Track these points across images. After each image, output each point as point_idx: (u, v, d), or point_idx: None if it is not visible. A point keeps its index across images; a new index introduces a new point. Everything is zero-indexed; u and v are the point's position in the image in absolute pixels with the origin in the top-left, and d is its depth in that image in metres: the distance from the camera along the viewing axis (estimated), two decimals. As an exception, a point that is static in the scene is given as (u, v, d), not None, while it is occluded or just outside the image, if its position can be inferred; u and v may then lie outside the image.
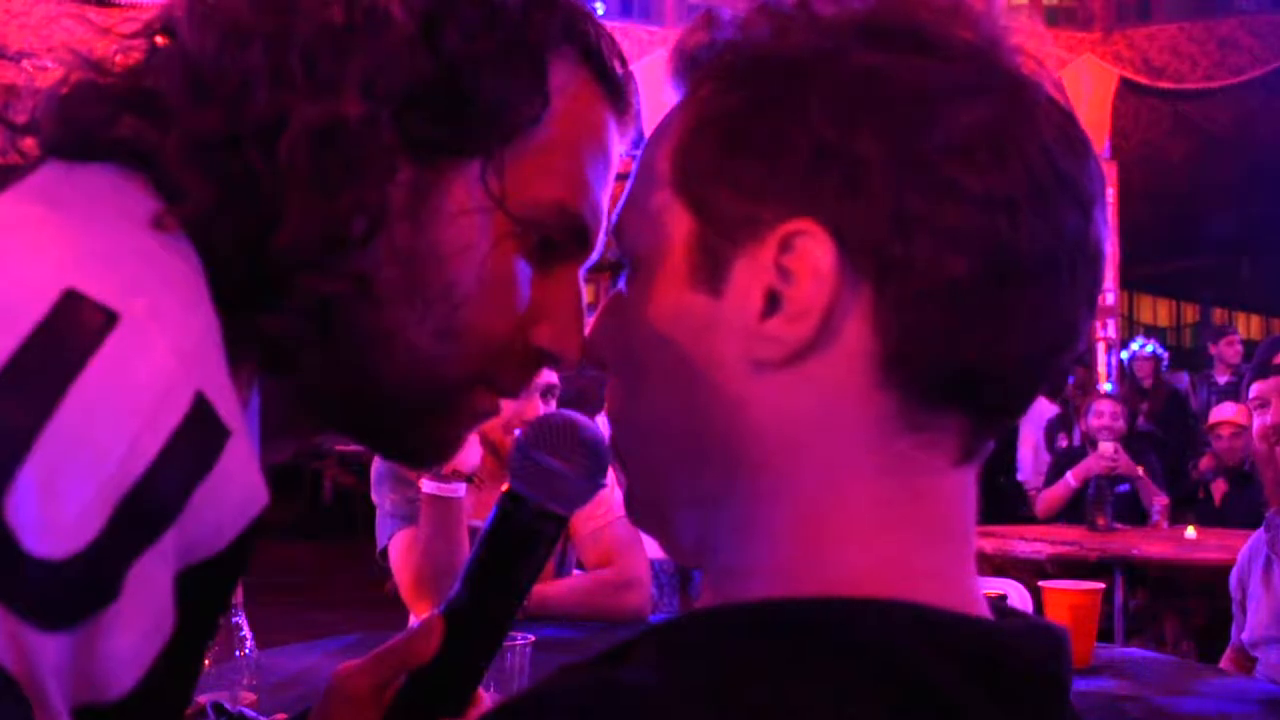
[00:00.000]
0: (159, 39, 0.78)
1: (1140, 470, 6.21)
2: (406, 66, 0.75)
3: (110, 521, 0.59)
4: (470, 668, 0.93)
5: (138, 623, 0.62)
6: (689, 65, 0.73)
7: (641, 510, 0.77)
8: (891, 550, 0.66)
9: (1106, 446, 6.14)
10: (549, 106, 0.80)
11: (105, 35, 0.78)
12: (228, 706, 1.13)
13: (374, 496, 2.88)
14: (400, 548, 2.78)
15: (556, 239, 0.83)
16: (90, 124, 0.74)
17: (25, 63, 0.79)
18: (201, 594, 0.66)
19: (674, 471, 0.71)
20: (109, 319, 0.62)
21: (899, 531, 0.66)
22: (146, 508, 0.61)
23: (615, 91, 0.86)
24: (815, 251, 0.64)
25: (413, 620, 3.01)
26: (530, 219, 0.81)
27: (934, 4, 0.67)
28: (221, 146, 0.73)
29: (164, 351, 0.63)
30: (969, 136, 0.63)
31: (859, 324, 0.64)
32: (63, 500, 0.58)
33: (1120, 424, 6.37)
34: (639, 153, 0.76)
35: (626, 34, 13.08)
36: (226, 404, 0.66)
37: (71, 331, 0.61)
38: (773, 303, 0.65)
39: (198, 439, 0.63)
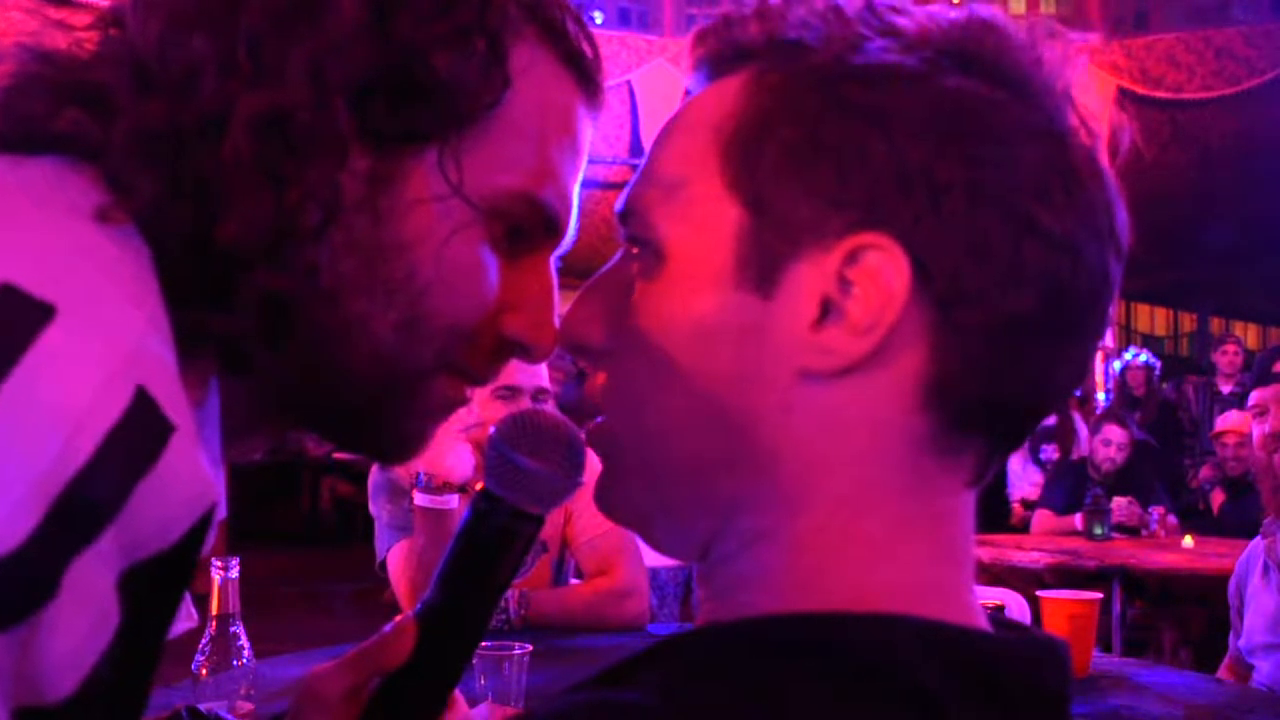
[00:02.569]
0: (111, 30, 0.76)
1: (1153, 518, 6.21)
2: (357, 52, 0.74)
3: (44, 520, 0.58)
4: (445, 670, 0.91)
5: (77, 623, 0.60)
6: (736, 55, 0.71)
7: (629, 509, 0.74)
8: (903, 567, 0.66)
9: (1121, 500, 6.16)
10: (509, 90, 0.78)
11: (59, 28, 0.76)
12: (202, 710, 1.12)
13: (371, 509, 2.87)
14: (399, 559, 2.77)
15: (524, 227, 0.81)
16: (32, 117, 0.73)
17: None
18: (149, 593, 0.65)
19: (688, 475, 0.69)
20: (45, 313, 0.60)
21: (912, 549, 0.66)
22: (83, 505, 0.60)
23: (583, 74, 0.84)
24: (888, 268, 0.63)
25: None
26: (494, 207, 0.79)
27: (1016, 42, 0.67)
28: (167, 138, 0.72)
29: (102, 345, 0.62)
30: (1045, 176, 0.64)
31: (918, 346, 0.64)
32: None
33: (1124, 455, 6.39)
34: (657, 141, 0.73)
35: (625, 43, 13.09)
36: (172, 399, 0.64)
37: (5, 326, 0.60)
38: (825, 312, 0.64)
39: (138, 435, 0.62)
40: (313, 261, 0.74)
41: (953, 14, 0.68)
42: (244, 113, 0.72)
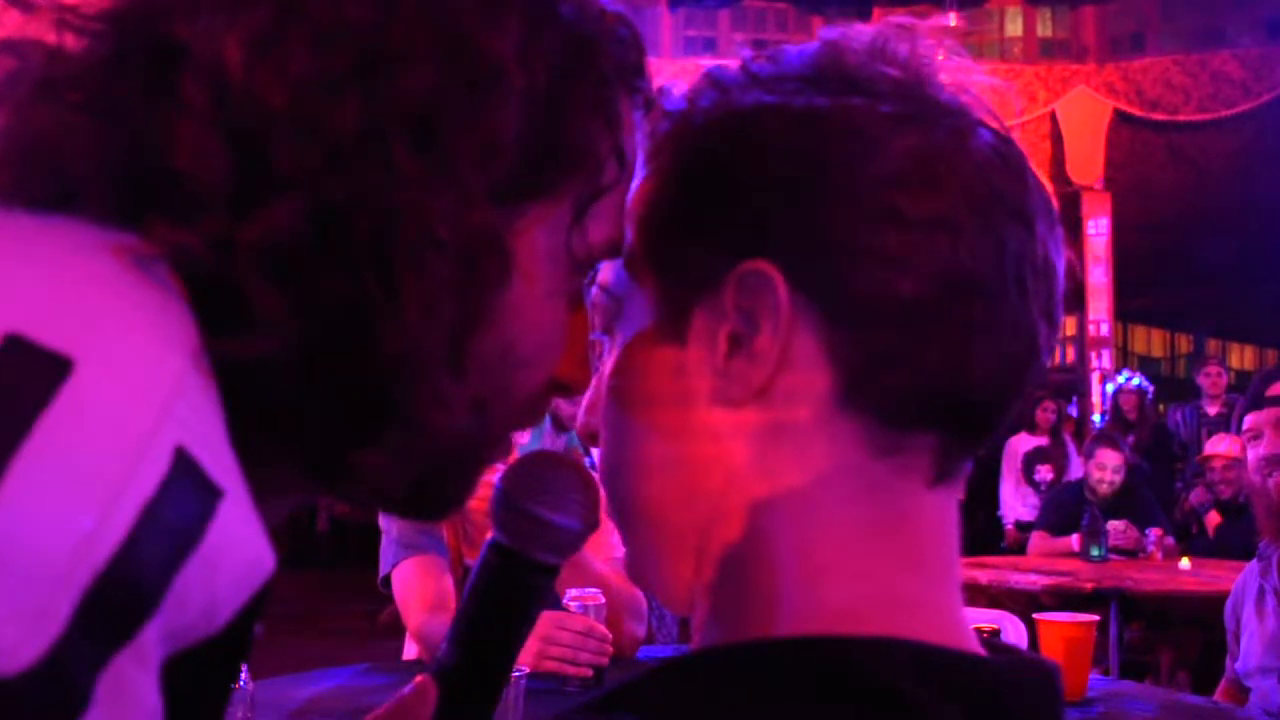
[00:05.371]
0: (144, 44, 0.61)
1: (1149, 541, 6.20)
2: (521, 129, 0.64)
3: (71, 621, 0.49)
4: None
5: None
6: (650, 144, 0.75)
7: (633, 567, 0.77)
8: (878, 581, 0.66)
9: (1117, 524, 6.15)
10: (625, 160, 0.72)
11: (57, 13, 0.61)
12: None
13: (381, 521, 2.86)
14: (405, 578, 2.77)
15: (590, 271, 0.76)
16: (85, 203, 0.58)
17: None
18: (197, 680, 0.57)
19: (660, 520, 0.72)
20: (61, 367, 0.51)
21: (883, 560, 0.67)
22: (118, 599, 0.50)
23: (645, 109, 0.77)
24: (768, 290, 0.66)
25: (407, 649, 3.00)
26: (585, 265, 0.72)
27: (859, 49, 0.70)
28: (300, 254, 0.59)
29: (133, 401, 0.52)
30: (903, 165, 0.66)
31: (819, 351, 0.66)
32: (8, 602, 0.48)
33: (1120, 477, 6.38)
34: None
35: (623, 65, 13.11)
36: (217, 458, 0.55)
37: (15, 387, 0.50)
38: (735, 343, 0.67)
39: (181, 505, 0.52)
40: (473, 378, 0.65)
41: (808, 46, 0.72)
42: (422, 228, 0.60)
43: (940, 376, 0.66)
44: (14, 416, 0.50)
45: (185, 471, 0.53)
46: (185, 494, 0.53)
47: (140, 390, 0.53)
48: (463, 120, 0.62)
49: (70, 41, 0.61)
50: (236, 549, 0.55)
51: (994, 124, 0.70)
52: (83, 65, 0.61)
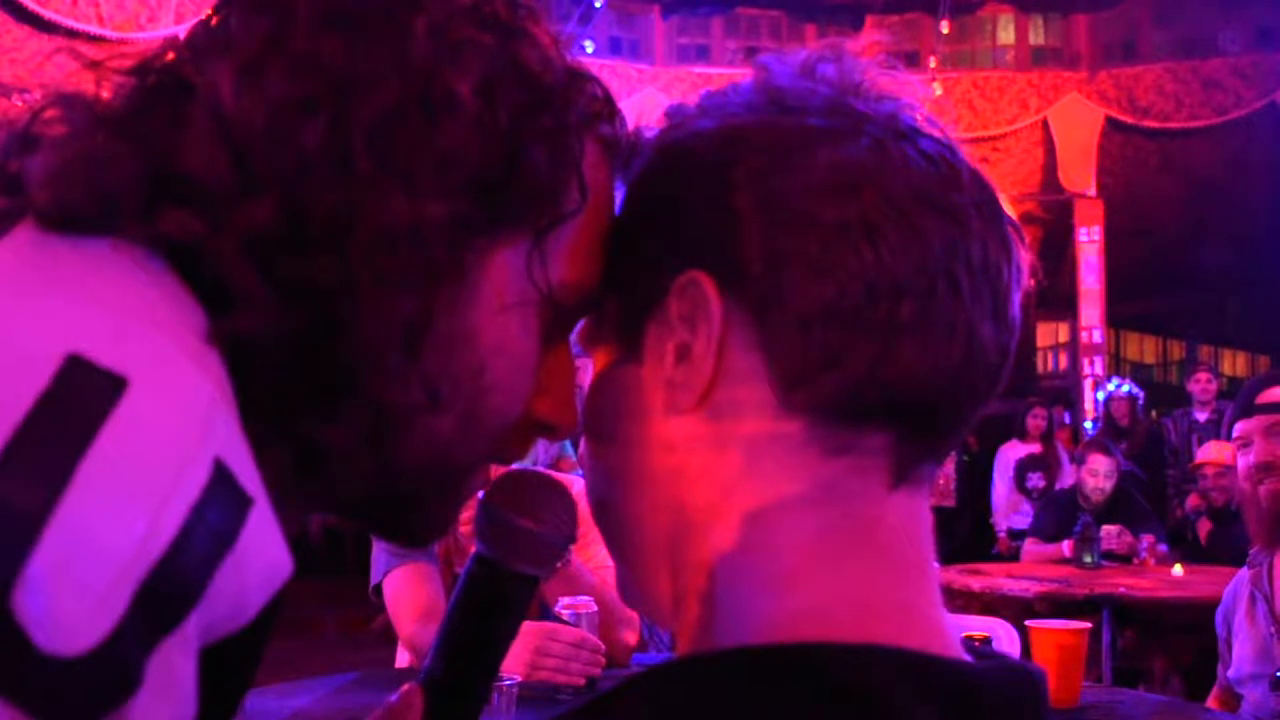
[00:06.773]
0: (162, 80, 0.72)
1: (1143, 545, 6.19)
2: (476, 153, 0.71)
3: (128, 610, 0.55)
4: None
5: (158, 715, 0.57)
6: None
7: (624, 584, 0.80)
8: (848, 584, 0.67)
9: (1110, 530, 6.14)
10: (586, 196, 0.76)
11: (96, 69, 0.72)
12: None
13: None
14: (398, 586, 2.77)
15: (569, 315, 0.80)
16: (116, 205, 0.66)
17: (16, 98, 0.73)
18: (223, 673, 0.62)
19: (629, 530, 0.76)
20: (117, 385, 0.57)
21: (851, 563, 0.67)
22: (168, 591, 0.56)
23: (621, 161, 0.82)
24: (702, 298, 0.69)
25: (399, 657, 3.00)
26: (557, 301, 0.77)
27: (789, 70, 0.74)
28: (277, 242, 0.67)
29: (179, 417, 0.59)
30: (823, 174, 0.68)
31: (751, 357, 0.68)
32: (76, 591, 0.54)
33: (1112, 484, 6.37)
34: None
35: (616, 72, 13.14)
36: (245, 468, 0.61)
37: (78, 402, 0.56)
38: (681, 353, 0.70)
39: (219, 510, 0.59)
40: (427, 367, 0.71)
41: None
42: (375, 221, 0.68)
43: (873, 376, 0.67)
44: (78, 430, 0.56)
45: (222, 480, 0.59)
46: (222, 501, 0.59)
47: (184, 407, 0.59)
48: (418, 137, 0.70)
49: (107, 93, 0.72)
50: (262, 552, 0.62)
51: (931, 131, 0.72)
52: (117, 108, 0.71)
